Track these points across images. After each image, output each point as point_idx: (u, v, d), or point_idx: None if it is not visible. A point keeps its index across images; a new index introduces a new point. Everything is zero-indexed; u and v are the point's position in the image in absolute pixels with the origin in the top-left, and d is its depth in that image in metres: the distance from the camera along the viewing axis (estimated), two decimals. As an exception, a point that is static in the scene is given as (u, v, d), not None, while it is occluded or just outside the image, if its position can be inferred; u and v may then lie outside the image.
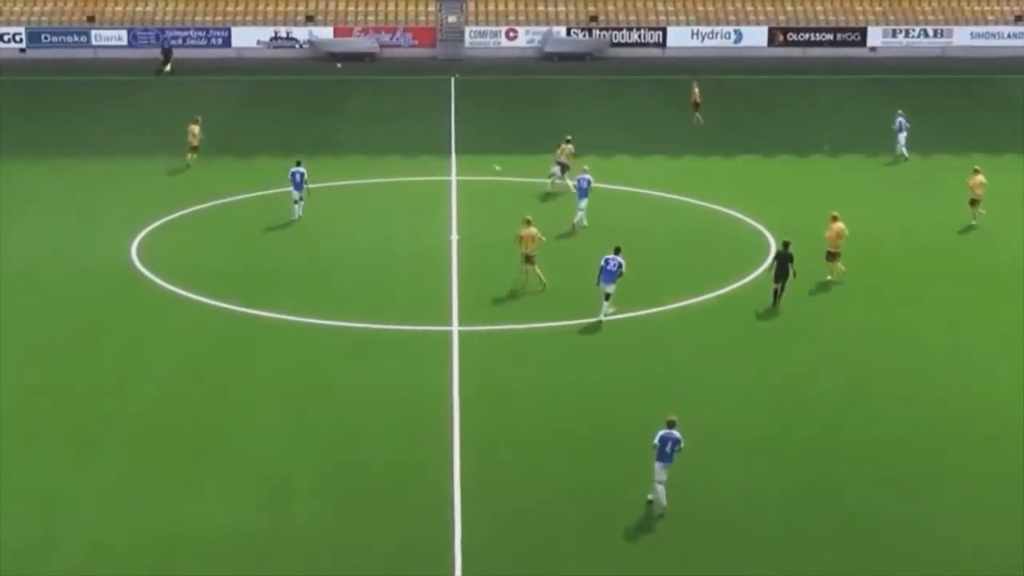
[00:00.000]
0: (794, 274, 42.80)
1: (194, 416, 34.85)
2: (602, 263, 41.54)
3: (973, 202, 52.28)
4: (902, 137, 61.95)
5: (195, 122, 61.62)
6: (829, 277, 45.54)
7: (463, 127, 69.08)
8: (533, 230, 44.57)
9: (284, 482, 31.53)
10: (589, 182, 51.53)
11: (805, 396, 36.40)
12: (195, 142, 60.89)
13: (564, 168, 56.60)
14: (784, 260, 42.93)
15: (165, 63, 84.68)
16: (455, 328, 41.05)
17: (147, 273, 46.01)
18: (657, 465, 29.96)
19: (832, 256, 45.39)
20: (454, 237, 49.91)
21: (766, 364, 38.67)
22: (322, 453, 32.97)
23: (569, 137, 58.91)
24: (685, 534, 29.36)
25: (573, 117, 71.96)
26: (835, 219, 45.48)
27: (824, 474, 32.06)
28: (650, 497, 30.23)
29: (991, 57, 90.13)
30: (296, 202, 52.27)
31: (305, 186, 52.11)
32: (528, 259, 44.44)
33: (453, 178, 58.96)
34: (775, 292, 43.12)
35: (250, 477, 31.76)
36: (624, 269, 41.52)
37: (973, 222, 52.28)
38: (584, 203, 51.41)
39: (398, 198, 56.18)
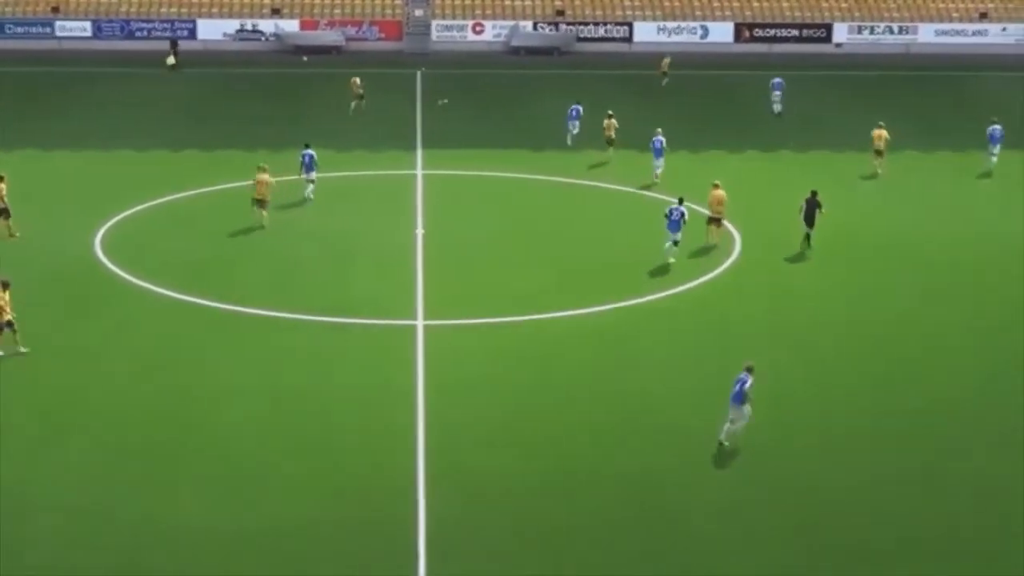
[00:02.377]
0: (822, 212, 47.91)
1: (159, 411, 34.66)
2: (667, 212, 46.26)
3: (878, 152, 59.35)
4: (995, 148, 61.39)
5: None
6: (710, 241, 48.23)
7: (429, 121, 69.01)
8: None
9: (251, 476, 31.39)
10: (662, 143, 57.32)
11: (772, 394, 36.45)
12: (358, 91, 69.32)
13: (610, 141, 60.95)
14: (812, 206, 47.95)
15: (173, 55, 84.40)
16: (420, 322, 40.99)
17: (111, 266, 45.81)
18: (731, 405, 32.51)
19: (713, 221, 48.38)
20: (420, 231, 49.86)
21: (731, 360, 38.70)
22: (287, 447, 32.84)
23: (611, 112, 61.86)
24: (646, 529, 29.41)
25: (540, 112, 72.05)
26: (716, 187, 48.57)
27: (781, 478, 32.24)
28: (720, 438, 32.66)
29: (956, 54, 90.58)
30: (309, 183, 53.64)
31: (315, 169, 53.42)
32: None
33: (419, 172, 58.93)
34: (807, 236, 47.99)
35: (216, 472, 31.60)
36: (687, 217, 46.14)
37: (879, 172, 58.69)
38: (660, 161, 57.23)
39: (364, 192, 56.10)
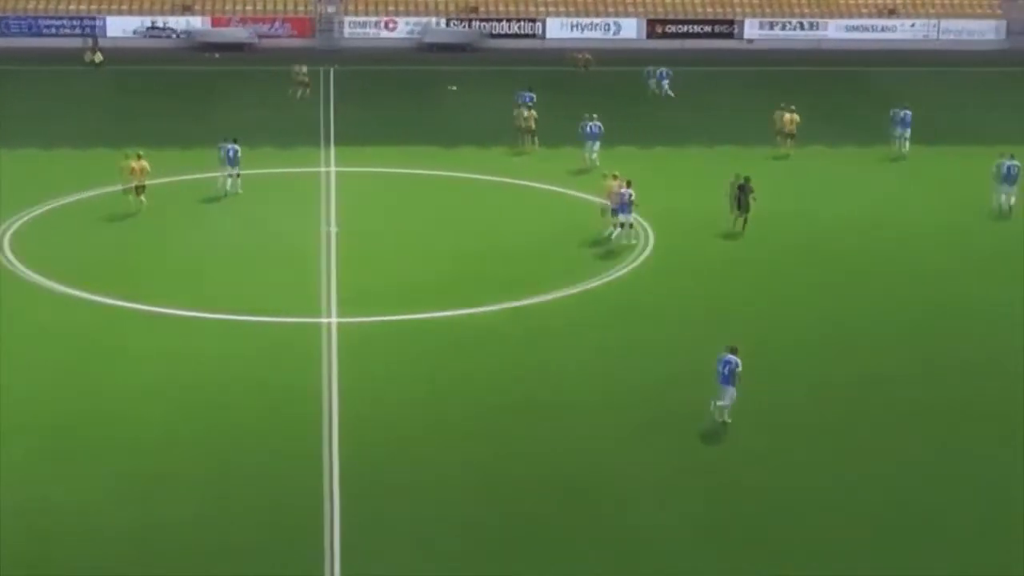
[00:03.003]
0: (754, 199, 49.39)
1: (63, 410, 34.31)
2: (618, 196, 47.68)
3: (789, 136, 61.94)
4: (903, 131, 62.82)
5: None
6: (612, 229, 48.53)
7: (341, 118, 68.68)
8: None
9: (157, 476, 31.15)
10: (600, 127, 59.24)
11: (671, 386, 36.69)
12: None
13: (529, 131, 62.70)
14: (744, 191, 49.33)
15: (94, 52, 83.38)
16: (333, 320, 40.84)
17: (17, 265, 45.26)
18: (720, 387, 33.59)
19: (613, 212, 48.27)
20: (332, 228, 49.63)
21: (642, 354, 38.91)
22: (196, 447, 32.64)
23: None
24: (563, 523, 29.46)
25: (452, 108, 71.97)
26: (607, 177, 49.49)
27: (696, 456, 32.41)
28: (720, 419, 33.88)
29: (864, 50, 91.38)
30: (230, 177, 53.75)
31: (239, 164, 53.64)
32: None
33: (331, 169, 58.63)
34: (743, 220, 49.44)
35: (123, 470, 31.34)
36: (635, 199, 47.67)
37: (787, 152, 61.38)
38: (596, 145, 59.13)
39: (275, 190, 55.72)
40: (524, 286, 43.75)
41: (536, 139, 62.75)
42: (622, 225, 48.16)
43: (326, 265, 45.72)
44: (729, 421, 33.88)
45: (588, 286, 44.26)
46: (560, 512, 29.87)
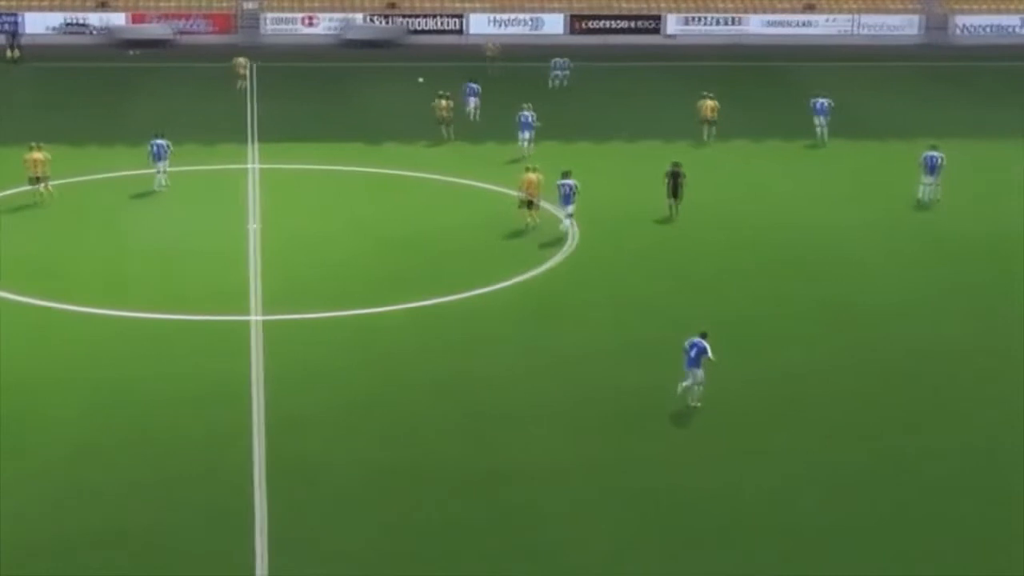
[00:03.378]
0: (684, 187, 50.69)
1: (-14, 413, 33.87)
2: (557, 186, 48.74)
3: (709, 123, 63.26)
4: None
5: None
6: (528, 223, 49.16)
7: (263, 114, 68.27)
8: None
9: (80, 479, 30.79)
10: (533, 116, 60.55)
11: (595, 376, 36.74)
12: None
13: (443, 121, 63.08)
14: (676, 178, 50.51)
15: (12, 48, 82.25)
16: (256, 318, 40.57)
17: (-66, 266, 44.66)
18: (686, 369, 34.28)
19: (529, 204, 49.28)
20: (255, 226, 49.30)
21: (564, 347, 38.92)
22: (119, 448, 32.30)
23: (447, 93, 63.93)
24: (492, 523, 29.42)
25: (374, 104, 71.77)
26: (528, 171, 49.86)
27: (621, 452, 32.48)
28: (691, 403, 34.54)
29: (783, 45, 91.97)
30: (159, 173, 53.69)
31: (167, 158, 53.66)
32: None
33: (254, 166, 58.27)
34: (674, 208, 50.74)
35: (44, 475, 30.93)
36: (578, 188, 48.67)
37: (709, 140, 62.80)
38: (529, 135, 60.35)
39: (197, 187, 55.25)
40: (448, 282, 43.68)
41: (451, 129, 63.29)
42: (570, 216, 48.85)
43: (250, 263, 45.39)
44: (699, 405, 34.44)
45: (515, 280, 44.26)
46: (490, 519, 29.75)
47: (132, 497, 30.06)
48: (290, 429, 33.28)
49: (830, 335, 40.26)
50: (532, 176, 49.41)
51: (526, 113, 60.98)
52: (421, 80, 72.54)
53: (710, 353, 34.13)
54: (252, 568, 27.24)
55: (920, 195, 53.75)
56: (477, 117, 67.29)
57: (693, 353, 34.23)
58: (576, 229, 48.94)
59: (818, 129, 64.11)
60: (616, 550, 28.35)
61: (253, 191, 54.27)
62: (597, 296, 43.32)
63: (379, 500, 30.20)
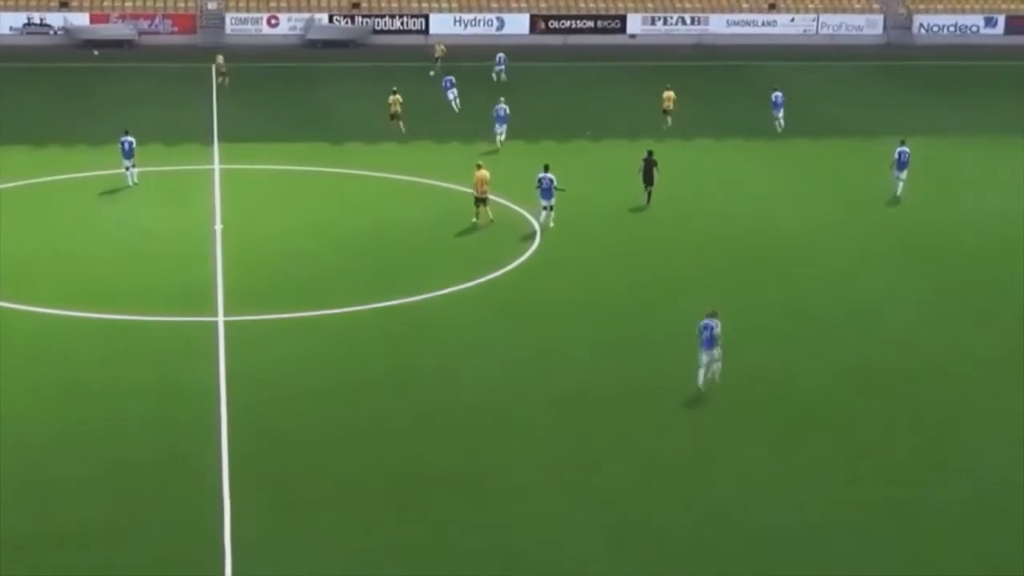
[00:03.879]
0: (657, 171, 52.43)
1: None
2: (537, 181, 49.23)
3: (666, 112, 66.00)
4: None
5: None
6: (473, 220, 49.65)
7: (226, 115, 68.10)
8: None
9: (44, 481, 30.63)
10: (506, 111, 62.38)
11: (562, 374, 36.80)
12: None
13: (395, 116, 64.44)
14: (650, 166, 52.35)
15: None
16: (220, 318, 40.46)
17: None
18: (700, 350, 35.22)
19: (479, 202, 49.69)
20: (218, 226, 49.17)
21: (532, 346, 38.97)
22: (84, 450, 32.16)
23: (395, 88, 65.35)
24: (469, 526, 29.46)
25: (337, 104, 71.72)
26: (479, 167, 50.10)
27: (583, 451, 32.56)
28: (699, 383, 35.42)
29: (746, 44, 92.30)
30: (128, 169, 54.21)
31: (134, 155, 54.13)
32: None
33: (216, 167, 58.11)
34: (648, 194, 52.44)
35: (6, 473, 30.76)
36: (557, 184, 49.04)
37: (664, 127, 65.05)
38: (503, 128, 62.31)
39: (160, 187, 55.08)
40: (416, 281, 43.67)
41: (402, 123, 64.15)
42: (550, 208, 49.41)
43: (215, 263, 45.27)
44: (719, 381, 35.37)
45: (484, 279, 44.25)
46: (456, 512, 29.78)
47: (97, 496, 29.94)
48: (254, 429, 33.21)
49: (792, 335, 40.44)
50: (482, 173, 49.79)
51: (501, 107, 62.37)
52: (433, 73, 74.26)
53: (718, 330, 35.07)
54: (218, 566, 27.17)
55: (895, 190, 54.65)
56: (458, 106, 69.93)
57: (707, 334, 35.16)
58: (552, 224, 49.20)
59: (775, 122, 66.65)
60: (586, 552, 28.42)
61: (217, 192, 54.11)
62: (565, 294, 43.30)
63: (345, 500, 30.15)
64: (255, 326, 40.17)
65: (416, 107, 65.42)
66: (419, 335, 39.80)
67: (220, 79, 75.47)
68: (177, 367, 37.04)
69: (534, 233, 49.02)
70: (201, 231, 48.66)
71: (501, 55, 79.26)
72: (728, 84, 79.93)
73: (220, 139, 62.90)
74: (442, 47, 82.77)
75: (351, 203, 53.18)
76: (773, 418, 34.69)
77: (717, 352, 35.22)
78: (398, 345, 39.02)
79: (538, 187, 49.62)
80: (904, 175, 54.53)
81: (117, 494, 30.17)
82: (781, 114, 66.64)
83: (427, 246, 47.79)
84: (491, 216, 49.82)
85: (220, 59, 76.85)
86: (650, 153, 53.17)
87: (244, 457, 31.70)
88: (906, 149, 54.83)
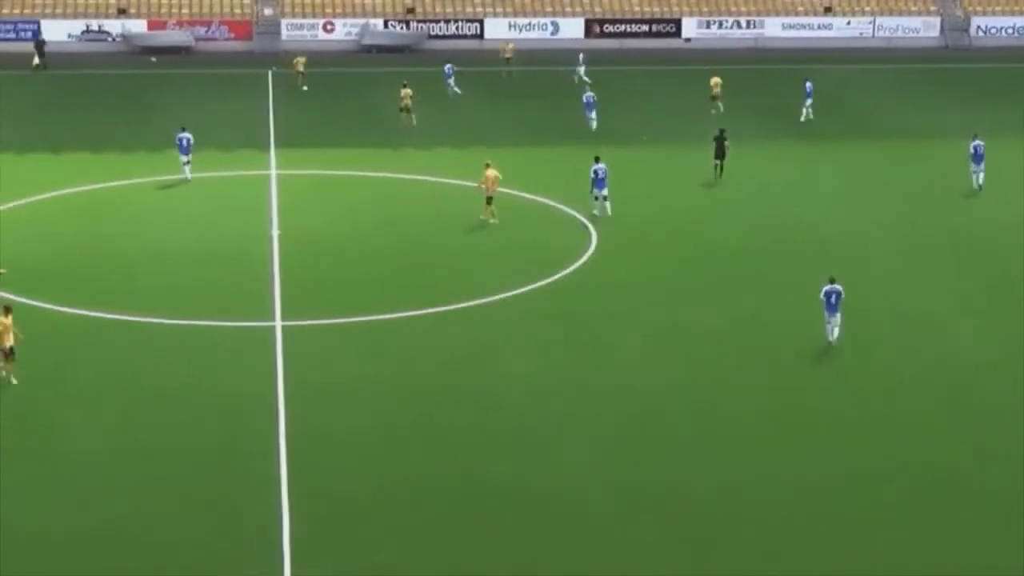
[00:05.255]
0: (728, 149, 56.75)
1: (5, 417, 33.89)
2: (592, 172, 50.99)
3: (714, 98, 70.20)
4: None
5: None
6: (482, 217, 50.26)
7: (281, 121, 68.40)
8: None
9: (103, 483, 30.87)
10: (594, 97, 67.27)
11: (615, 383, 36.64)
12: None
13: (405, 109, 66.84)
14: (720, 141, 56.80)
15: (39, 56, 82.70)
16: (278, 323, 40.62)
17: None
18: (826, 313, 38.48)
19: (489, 200, 50.26)
20: (275, 231, 49.38)
21: (589, 351, 38.87)
22: (144, 452, 32.37)
23: (406, 82, 67.78)
24: (514, 524, 29.43)
25: (393, 109, 71.76)
26: (488, 167, 50.63)
27: (652, 459, 32.41)
28: (829, 339, 38.61)
29: (802, 47, 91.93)
30: (185, 165, 56.29)
31: (191, 151, 56.47)
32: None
33: (273, 172, 58.37)
34: (719, 167, 56.78)
35: (66, 479, 31.02)
36: (607, 173, 50.82)
37: (713, 112, 68.37)
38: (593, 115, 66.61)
39: (218, 193, 55.44)
40: (466, 286, 43.67)
41: (413, 116, 66.37)
42: (605, 198, 50.90)
43: (272, 268, 45.47)
44: (835, 343, 38.47)
45: (534, 285, 44.17)
46: (510, 520, 29.72)
47: (156, 501, 30.11)
48: (311, 433, 33.30)
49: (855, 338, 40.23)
50: (491, 172, 50.30)
51: (589, 95, 67.41)
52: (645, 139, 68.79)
53: (843, 294, 38.06)
54: (277, 572, 27.25)
55: (974, 183, 55.62)
56: (457, 90, 74.43)
57: (833, 299, 38.15)
58: (610, 212, 50.10)
59: (805, 110, 69.73)
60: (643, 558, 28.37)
61: (274, 197, 54.35)
62: (622, 299, 43.17)
63: (400, 504, 30.17)
64: (312, 331, 40.30)
65: (471, 113, 65.37)
66: (475, 340, 39.78)
67: (300, 80, 76.68)
68: (235, 371, 37.23)
69: (589, 236, 48.95)
70: (259, 236, 48.88)
71: (583, 55, 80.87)
72: (785, 88, 79.45)
73: (277, 144, 63.20)
74: (509, 48, 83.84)
75: (407, 207, 53.25)
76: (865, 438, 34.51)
77: (839, 317, 38.14)
78: (454, 350, 39.01)
79: (593, 178, 50.84)
80: (982, 167, 55.49)
81: (175, 498, 30.32)
82: (810, 102, 69.20)
83: (483, 250, 47.85)
84: (494, 217, 50.24)
85: (300, 60, 77.99)
86: (722, 131, 57.18)
87: (300, 460, 31.79)
88: (981, 143, 55.89)
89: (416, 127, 65.74)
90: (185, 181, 55.82)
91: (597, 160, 51.41)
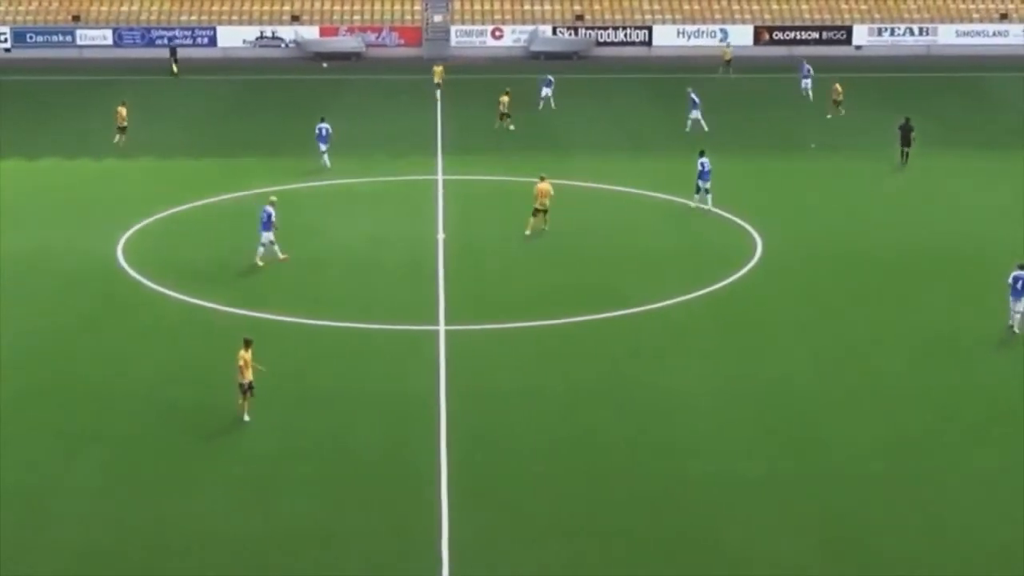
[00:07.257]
0: (914, 139, 60.08)
1: (180, 417, 34.68)
2: (699, 166, 52.69)
3: (836, 103, 71.52)
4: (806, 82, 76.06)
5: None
6: (527, 232, 49.64)
7: (449, 126, 68.99)
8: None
9: (272, 482, 31.42)
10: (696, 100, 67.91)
11: (786, 397, 36.25)
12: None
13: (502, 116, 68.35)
14: (907, 130, 60.11)
15: (174, 62, 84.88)
16: (442, 327, 40.95)
17: (133, 273, 45.86)
18: (1011, 300, 39.16)
19: (536, 212, 49.85)
20: (441, 236, 49.81)
21: (747, 363, 38.54)
22: (310, 453, 32.85)
23: (508, 89, 69.25)
24: (694, 542, 29.36)
25: (560, 117, 71.99)
26: (543, 179, 50.39)
27: (807, 469, 32.08)
28: (1009, 323, 39.40)
29: (977, 55, 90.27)
30: (324, 154, 59.54)
31: (329, 141, 59.44)
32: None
33: (439, 177, 58.88)
34: (904, 155, 60.06)
35: (238, 476, 31.65)
36: (710, 167, 52.52)
37: (833, 115, 70.66)
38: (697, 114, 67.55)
39: (385, 197, 56.10)
40: (629, 293, 43.60)
41: (510, 121, 68.30)
42: (707, 191, 52.72)
43: (435, 272, 45.86)
44: (1019, 332, 38.98)
45: (698, 292, 43.95)
46: (687, 539, 29.58)
47: (316, 499, 30.56)
48: (472, 436, 33.52)
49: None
50: (544, 185, 50.14)
51: (693, 96, 68.21)
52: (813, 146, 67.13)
53: None
54: (436, 572, 27.50)
55: None
56: (552, 105, 73.24)
57: (1020, 285, 38.62)
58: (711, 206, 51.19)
59: (804, 92, 75.53)
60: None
61: (440, 201, 54.83)
62: (789, 309, 42.75)
63: (559, 507, 30.23)
64: (475, 335, 40.55)
65: (641, 121, 65.22)
66: (637, 347, 39.68)
67: (437, 91, 76.98)
68: (399, 374, 37.61)
69: (755, 245, 48.58)
70: (425, 240, 49.34)
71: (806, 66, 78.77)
72: (960, 96, 78.12)
73: (444, 150, 63.76)
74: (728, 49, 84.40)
75: (571, 213, 53.25)
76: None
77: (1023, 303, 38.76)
78: (616, 356, 38.95)
79: (700, 170, 52.73)
80: None
81: (338, 498, 30.74)
82: (810, 84, 75.13)
83: (647, 256, 47.73)
84: (545, 226, 49.94)
85: (438, 71, 78.74)
86: (907, 119, 60.12)
87: (461, 463, 32.02)
88: None
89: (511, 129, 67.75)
90: (326, 168, 59.05)
91: (702, 154, 53.29)
